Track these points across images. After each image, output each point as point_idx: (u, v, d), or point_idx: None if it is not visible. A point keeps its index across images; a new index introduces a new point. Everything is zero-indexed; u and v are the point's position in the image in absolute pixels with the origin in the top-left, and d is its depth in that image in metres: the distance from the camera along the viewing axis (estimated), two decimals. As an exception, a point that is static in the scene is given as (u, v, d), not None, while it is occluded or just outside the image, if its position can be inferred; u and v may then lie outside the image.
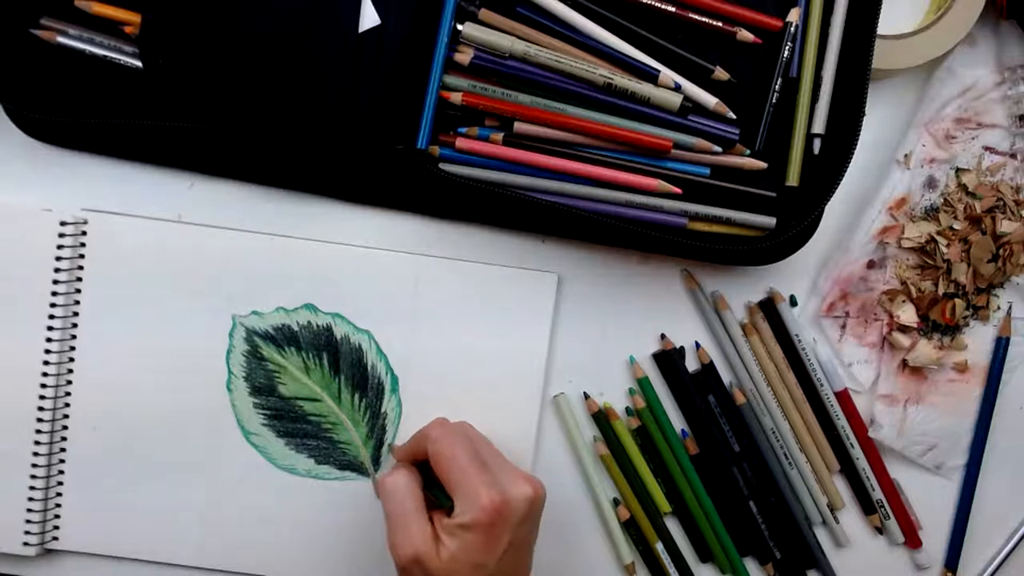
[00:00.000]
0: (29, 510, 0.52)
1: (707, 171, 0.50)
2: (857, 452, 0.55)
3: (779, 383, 0.55)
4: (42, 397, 0.52)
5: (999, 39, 0.55)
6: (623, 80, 0.48)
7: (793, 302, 0.56)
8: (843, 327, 0.56)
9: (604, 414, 0.55)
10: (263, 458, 0.53)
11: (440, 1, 0.48)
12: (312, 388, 0.53)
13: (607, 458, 0.55)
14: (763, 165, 0.50)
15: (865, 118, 0.48)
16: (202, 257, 0.52)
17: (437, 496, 0.44)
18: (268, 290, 0.53)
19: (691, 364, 0.56)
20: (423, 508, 0.43)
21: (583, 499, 0.55)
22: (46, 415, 0.52)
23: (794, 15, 0.49)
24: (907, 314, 0.55)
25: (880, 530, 0.57)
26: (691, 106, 0.49)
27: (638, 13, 0.49)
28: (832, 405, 0.55)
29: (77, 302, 0.52)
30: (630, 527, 0.55)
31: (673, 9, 0.49)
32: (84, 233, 0.52)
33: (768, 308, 0.55)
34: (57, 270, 0.51)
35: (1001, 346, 0.56)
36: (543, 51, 0.48)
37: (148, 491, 0.53)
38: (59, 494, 0.53)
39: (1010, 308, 0.57)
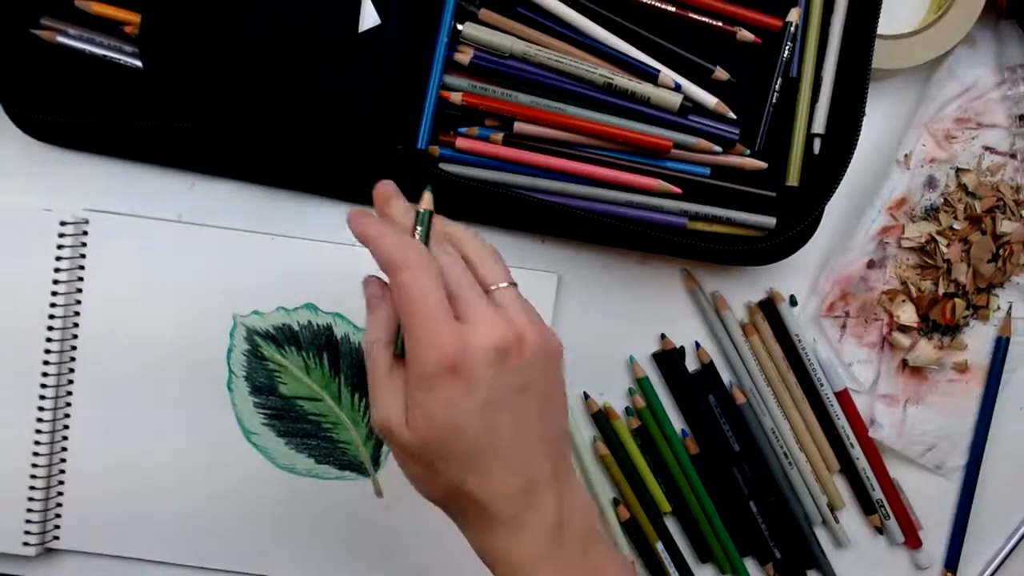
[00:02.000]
0: (29, 510, 0.52)
1: (707, 171, 0.50)
2: (857, 452, 0.55)
3: (779, 383, 0.55)
4: (42, 397, 0.52)
5: (999, 39, 0.55)
6: (623, 80, 0.48)
7: (793, 302, 0.56)
8: (843, 327, 0.56)
9: (604, 414, 0.55)
10: (263, 458, 0.53)
11: (440, 1, 0.48)
12: (312, 388, 0.53)
13: (607, 458, 0.55)
14: (763, 165, 0.50)
15: (865, 118, 0.48)
16: (202, 257, 0.52)
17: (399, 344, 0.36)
18: (268, 290, 0.53)
19: (691, 364, 0.56)
20: (395, 366, 0.35)
21: (583, 499, 0.55)
22: (46, 415, 0.52)
23: (794, 15, 0.49)
24: (907, 314, 0.55)
25: (880, 530, 0.57)
26: (691, 106, 0.49)
27: (638, 13, 0.49)
28: (832, 405, 0.55)
29: (78, 302, 0.52)
30: (630, 527, 0.55)
31: (673, 9, 0.49)
32: (85, 233, 0.52)
33: (768, 308, 0.55)
34: (57, 270, 0.51)
35: (1001, 346, 0.56)
36: (543, 51, 0.48)
37: (148, 490, 0.53)
38: (59, 494, 0.53)
39: (1010, 308, 0.57)
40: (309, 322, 0.53)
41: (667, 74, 0.49)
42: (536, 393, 0.35)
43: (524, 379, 0.35)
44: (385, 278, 0.35)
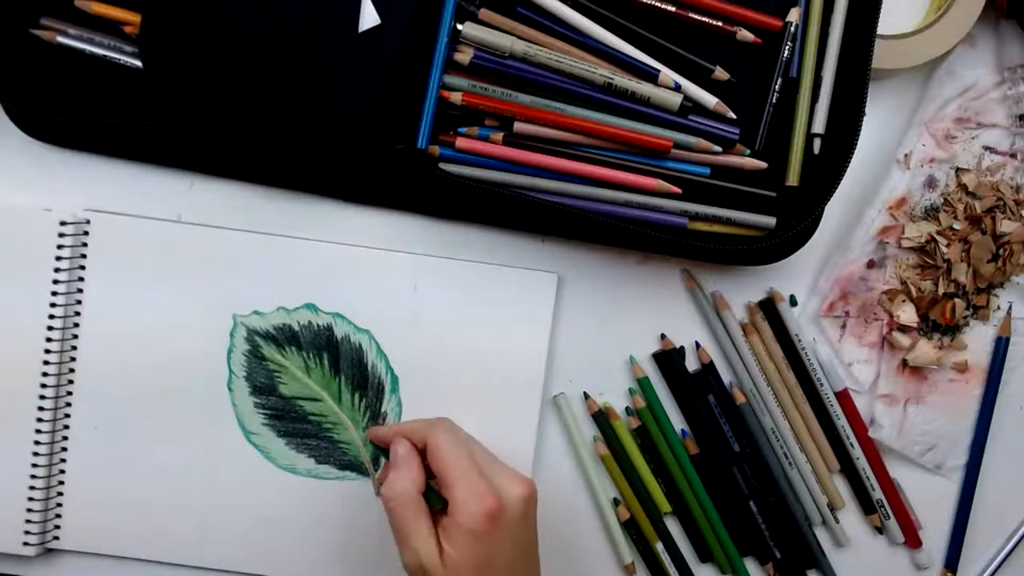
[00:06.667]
0: (29, 510, 0.52)
1: (707, 171, 0.50)
2: (857, 452, 0.55)
3: (779, 383, 0.55)
4: (42, 397, 0.52)
5: (999, 39, 0.56)
6: (623, 80, 0.48)
7: (793, 302, 0.56)
8: (843, 327, 0.56)
9: (604, 414, 0.55)
10: (263, 458, 0.53)
11: (440, 1, 0.48)
12: (312, 388, 0.53)
13: (607, 458, 0.55)
14: (763, 165, 0.50)
15: (865, 118, 0.48)
16: (202, 257, 0.52)
17: (429, 494, 0.43)
18: (269, 290, 0.53)
19: (691, 364, 0.56)
20: (424, 515, 0.42)
21: (583, 499, 0.55)
22: (46, 415, 0.52)
23: (794, 15, 0.49)
24: (907, 314, 0.55)
25: (880, 530, 0.57)
26: (691, 106, 0.49)
27: (638, 13, 0.49)
28: (832, 405, 0.55)
29: (78, 302, 0.52)
30: (630, 527, 0.55)
31: (673, 9, 0.49)
32: (86, 233, 0.52)
33: (768, 308, 0.55)
34: (57, 270, 0.51)
35: (1001, 346, 0.56)
36: (543, 51, 0.48)
37: (148, 491, 0.53)
38: (59, 494, 0.53)
39: (1010, 308, 0.57)
40: (309, 322, 0.53)
41: (667, 74, 0.49)
42: (534, 532, 0.45)
43: (533, 523, 0.44)
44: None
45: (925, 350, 0.55)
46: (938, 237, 0.55)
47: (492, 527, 0.41)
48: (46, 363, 0.52)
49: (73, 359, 0.52)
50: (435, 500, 0.43)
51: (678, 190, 0.49)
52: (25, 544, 0.52)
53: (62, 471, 0.53)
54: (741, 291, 0.56)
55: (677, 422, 0.56)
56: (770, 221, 0.50)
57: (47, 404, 0.52)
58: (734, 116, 0.50)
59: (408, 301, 0.53)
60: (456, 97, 0.49)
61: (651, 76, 0.49)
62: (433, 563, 0.41)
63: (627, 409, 0.55)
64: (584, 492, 0.55)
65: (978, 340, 0.56)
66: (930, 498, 0.57)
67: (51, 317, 0.51)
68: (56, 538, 0.53)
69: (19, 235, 0.51)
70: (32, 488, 0.52)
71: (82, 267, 0.52)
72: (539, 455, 0.55)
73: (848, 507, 0.56)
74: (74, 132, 0.51)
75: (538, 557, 0.46)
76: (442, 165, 0.50)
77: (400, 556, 0.43)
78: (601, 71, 0.48)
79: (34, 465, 0.52)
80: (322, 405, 0.53)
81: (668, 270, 0.55)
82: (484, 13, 0.49)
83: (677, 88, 0.49)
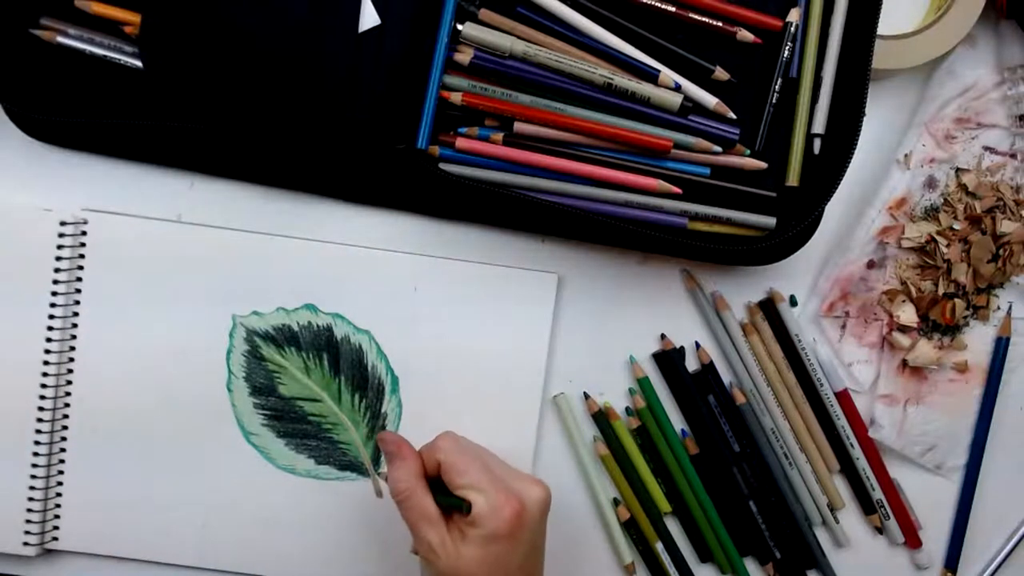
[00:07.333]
0: (29, 510, 0.52)
1: (707, 171, 0.50)
2: (857, 452, 0.55)
3: (779, 383, 0.55)
4: (42, 397, 0.52)
5: (999, 39, 0.56)
6: (623, 80, 0.48)
7: (793, 302, 0.56)
8: (843, 327, 0.56)
9: (604, 414, 0.55)
10: (263, 458, 0.53)
11: (440, 1, 0.48)
12: (312, 388, 0.53)
13: (607, 458, 0.55)
14: (763, 165, 0.50)
15: (865, 118, 0.48)
16: (202, 257, 0.52)
17: (450, 502, 0.44)
18: (268, 290, 0.53)
19: (691, 364, 0.56)
20: (430, 500, 0.44)
21: (583, 499, 0.55)
22: (46, 415, 0.52)
23: (794, 15, 0.49)
24: (907, 314, 0.55)
25: (880, 530, 0.57)
26: (691, 106, 0.49)
27: (638, 13, 0.49)
28: (832, 405, 0.55)
29: (77, 302, 0.52)
30: (630, 527, 0.55)
31: (673, 9, 0.49)
32: (84, 233, 0.52)
33: (768, 308, 0.55)
34: (57, 270, 0.51)
35: (1001, 346, 0.56)
36: (543, 51, 0.48)
37: (148, 491, 0.53)
38: (59, 494, 0.53)
39: (1010, 308, 0.57)
40: (309, 323, 0.53)
41: (667, 74, 0.49)
42: (544, 534, 0.46)
43: (545, 525, 0.45)
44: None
45: (925, 350, 0.55)
46: (938, 237, 0.55)
47: (514, 530, 0.42)
48: (46, 363, 0.52)
49: (72, 359, 0.52)
50: (456, 502, 0.43)
51: (678, 190, 0.49)
52: (25, 544, 0.52)
53: (61, 471, 0.53)
54: (741, 291, 0.56)
55: (677, 422, 0.56)
56: (770, 221, 0.50)
57: (46, 404, 0.52)
58: (734, 116, 0.50)
59: (408, 301, 0.53)
60: (456, 97, 0.49)
61: (651, 76, 0.49)
62: (446, 548, 0.42)
63: (627, 409, 0.55)
64: (584, 492, 0.55)
65: (978, 340, 0.56)
66: (930, 498, 0.57)
67: (51, 317, 0.51)
68: (55, 539, 0.53)
69: (19, 235, 0.51)
70: (32, 488, 0.52)
71: (81, 267, 0.52)
72: (539, 455, 0.55)
73: (848, 507, 0.56)
74: (74, 132, 0.51)
75: (543, 558, 0.46)
76: (442, 165, 0.50)
77: (415, 545, 0.44)
78: (601, 71, 0.48)
79: (34, 465, 0.52)
80: (322, 406, 0.53)
81: (668, 270, 0.55)
82: (484, 13, 0.49)
83: (677, 88, 0.49)
